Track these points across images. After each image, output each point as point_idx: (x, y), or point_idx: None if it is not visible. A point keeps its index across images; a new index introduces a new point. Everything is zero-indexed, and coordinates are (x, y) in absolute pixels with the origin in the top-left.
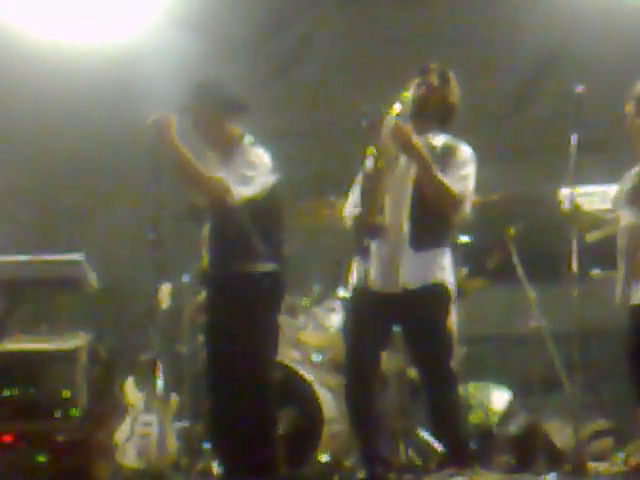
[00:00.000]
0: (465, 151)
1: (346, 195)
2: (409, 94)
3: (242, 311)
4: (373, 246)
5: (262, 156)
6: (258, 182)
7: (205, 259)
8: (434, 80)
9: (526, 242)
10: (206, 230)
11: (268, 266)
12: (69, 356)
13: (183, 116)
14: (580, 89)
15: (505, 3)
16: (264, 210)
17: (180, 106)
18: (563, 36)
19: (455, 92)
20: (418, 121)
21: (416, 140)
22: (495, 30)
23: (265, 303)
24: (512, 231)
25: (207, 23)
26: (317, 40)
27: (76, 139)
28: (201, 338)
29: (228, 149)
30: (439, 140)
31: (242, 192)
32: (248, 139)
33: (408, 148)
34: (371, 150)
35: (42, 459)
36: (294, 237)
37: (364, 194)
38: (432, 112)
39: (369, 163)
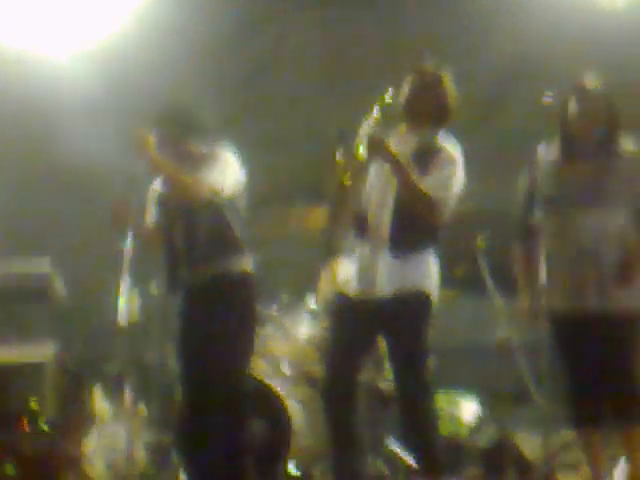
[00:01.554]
0: (451, 153)
1: (316, 204)
2: (394, 92)
3: (224, 312)
4: (354, 249)
5: (232, 160)
6: (231, 182)
7: (179, 262)
8: (427, 79)
9: (494, 252)
10: (178, 232)
11: (248, 265)
12: (37, 367)
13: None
14: (548, 99)
15: (472, 12)
16: (237, 211)
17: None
18: (532, 44)
19: (449, 92)
20: (411, 118)
21: (390, 147)
22: (462, 40)
23: (247, 304)
24: (480, 241)
25: (176, 30)
26: (289, 46)
27: (46, 149)
28: (170, 347)
29: (196, 164)
30: (430, 138)
31: (224, 189)
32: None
33: (382, 155)
34: (340, 162)
35: (10, 471)
36: (263, 246)
37: (333, 206)
38: (425, 111)
39: (338, 175)
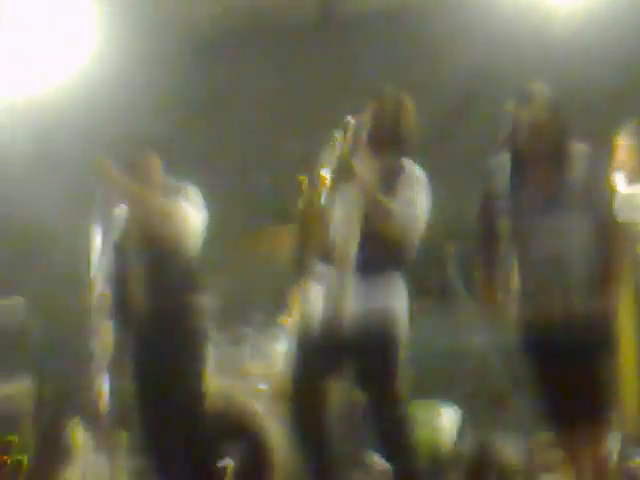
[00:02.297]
0: (418, 175)
1: (285, 226)
2: (355, 120)
3: (182, 345)
4: (320, 273)
5: (196, 195)
6: (198, 219)
7: (136, 294)
8: (388, 105)
9: (465, 259)
10: (135, 266)
11: (205, 299)
12: (14, 400)
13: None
14: (509, 109)
15: (424, 34)
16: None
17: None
18: (485, 62)
19: (410, 115)
20: (373, 144)
21: (358, 169)
22: (418, 62)
23: (203, 336)
24: (450, 249)
25: (133, 66)
26: (246, 79)
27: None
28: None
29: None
30: (393, 163)
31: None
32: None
33: (351, 178)
34: (305, 184)
35: None
36: (235, 267)
37: (299, 230)
38: (387, 138)
39: (305, 199)
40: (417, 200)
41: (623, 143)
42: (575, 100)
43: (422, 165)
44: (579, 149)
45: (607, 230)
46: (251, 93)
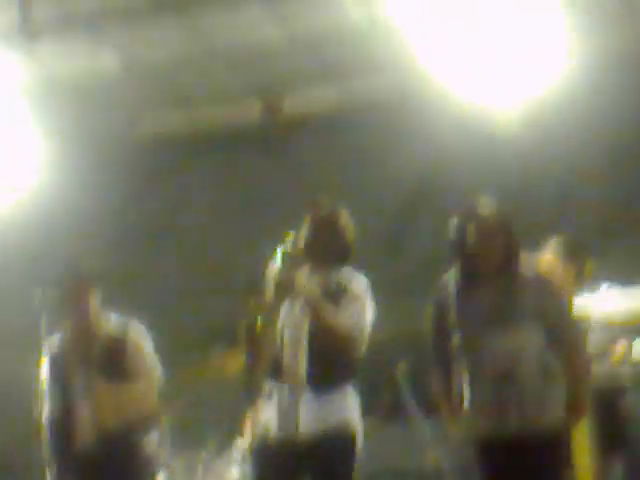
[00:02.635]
0: (360, 285)
1: (234, 349)
2: (295, 234)
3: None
4: (272, 390)
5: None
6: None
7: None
8: (323, 218)
9: (416, 377)
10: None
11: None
12: None
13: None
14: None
15: (372, 145)
16: None
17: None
18: (433, 173)
19: (348, 227)
20: (312, 258)
21: (303, 283)
22: (363, 172)
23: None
24: (401, 368)
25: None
26: (195, 193)
27: None
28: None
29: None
30: (334, 276)
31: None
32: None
33: (294, 293)
34: (252, 307)
35: None
36: (186, 391)
37: (249, 351)
38: (325, 250)
39: (250, 319)
40: (362, 311)
41: (547, 256)
42: (523, 210)
43: (370, 276)
44: (528, 260)
45: (565, 344)
46: (196, 211)
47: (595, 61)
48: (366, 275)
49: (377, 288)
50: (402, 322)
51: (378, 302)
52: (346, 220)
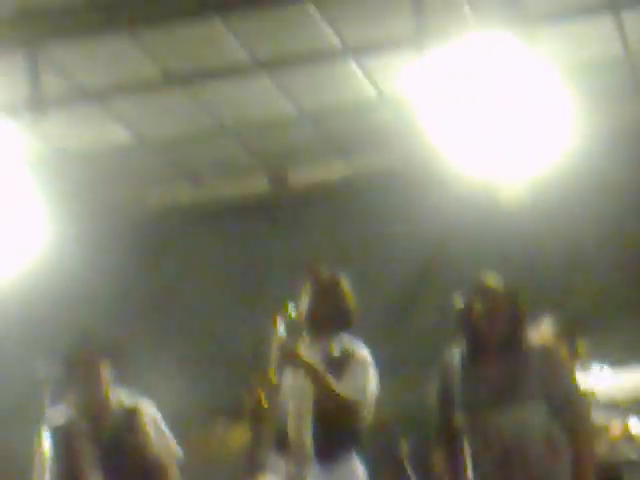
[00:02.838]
0: (362, 356)
1: (237, 423)
2: (295, 305)
3: None
4: (275, 464)
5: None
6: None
7: None
8: (322, 286)
9: (419, 457)
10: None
11: None
12: None
13: None
14: (457, 301)
15: (378, 219)
16: None
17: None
18: (440, 242)
19: (346, 295)
20: (314, 325)
21: (302, 355)
22: (368, 246)
23: None
24: (405, 447)
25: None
26: (202, 266)
27: None
28: None
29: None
30: (337, 346)
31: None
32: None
33: (296, 365)
34: (255, 380)
35: None
36: (187, 467)
37: (253, 425)
38: (325, 318)
39: (254, 393)
40: (368, 376)
41: (543, 332)
42: (528, 285)
43: (375, 351)
44: (533, 338)
45: (571, 416)
46: (203, 284)
47: (601, 138)
48: (369, 351)
49: (380, 364)
50: (404, 400)
51: (381, 377)
52: (346, 285)
